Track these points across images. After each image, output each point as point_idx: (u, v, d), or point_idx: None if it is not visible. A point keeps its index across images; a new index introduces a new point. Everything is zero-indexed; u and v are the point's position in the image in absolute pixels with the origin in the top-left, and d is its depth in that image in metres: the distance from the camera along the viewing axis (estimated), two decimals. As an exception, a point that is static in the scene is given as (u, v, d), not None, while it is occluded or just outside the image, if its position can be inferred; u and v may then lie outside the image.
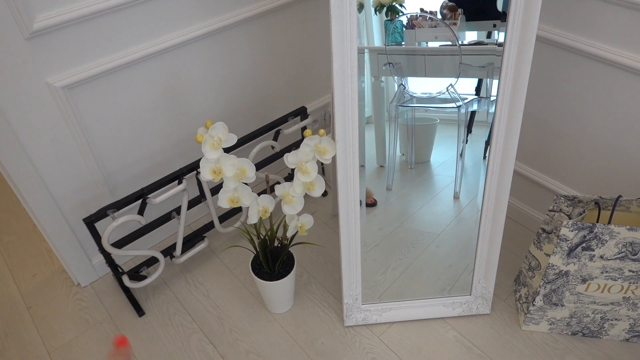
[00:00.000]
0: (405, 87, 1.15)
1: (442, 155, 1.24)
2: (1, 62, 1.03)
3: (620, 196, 1.10)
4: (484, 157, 1.12)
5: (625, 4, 1.03)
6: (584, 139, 1.28)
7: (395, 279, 1.32)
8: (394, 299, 1.30)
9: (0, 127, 1.08)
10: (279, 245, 1.25)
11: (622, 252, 1.07)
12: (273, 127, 1.46)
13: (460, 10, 1.04)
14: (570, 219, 1.14)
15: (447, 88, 1.13)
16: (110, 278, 1.49)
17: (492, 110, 1.07)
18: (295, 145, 1.57)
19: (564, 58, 1.21)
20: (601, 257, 1.08)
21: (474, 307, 1.31)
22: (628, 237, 1.04)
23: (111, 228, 1.18)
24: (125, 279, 1.34)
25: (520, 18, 0.94)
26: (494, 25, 1.03)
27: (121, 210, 1.28)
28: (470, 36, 1.07)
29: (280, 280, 1.24)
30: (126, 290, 1.41)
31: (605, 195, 1.23)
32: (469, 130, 1.18)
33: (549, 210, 1.17)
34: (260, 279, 1.25)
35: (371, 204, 1.25)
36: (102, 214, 1.21)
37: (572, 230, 1.05)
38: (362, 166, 1.12)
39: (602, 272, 1.11)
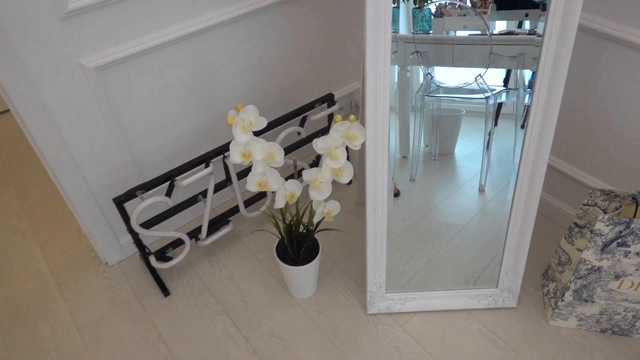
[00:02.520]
0: (432, 77, 1.13)
1: (467, 147, 1.22)
2: (36, 42, 1.04)
3: (659, 192, 1.07)
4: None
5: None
6: (621, 132, 1.23)
7: (419, 269, 1.31)
8: (418, 289, 1.29)
9: (35, 107, 1.10)
10: (304, 231, 1.25)
11: (659, 250, 1.04)
12: (300, 113, 1.45)
13: (490, -1, 1.01)
14: (605, 213, 1.10)
15: (475, 78, 1.10)
16: (137, 258, 1.51)
17: (527, 101, 1.04)
18: (322, 132, 1.57)
19: (604, 48, 1.16)
20: (637, 253, 1.05)
21: (500, 300, 1.29)
22: (666, 234, 1.01)
23: (140, 209, 1.20)
24: (152, 259, 1.36)
25: (562, 6, 0.91)
26: (526, 15, 1.00)
27: (149, 192, 1.30)
28: (500, 25, 1.04)
29: (305, 266, 1.25)
30: (152, 271, 1.43)
31: (642, 190, 1.19)
32: (496, 123, 1.15)
33: (583, 204, 1.14)
34: (285, 263, 1.25)
35: (395, 194, 1.24)
36: (131, 194, 1.23)
37: (607, 225, 1.02)
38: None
39: (637, 269, 1.08)
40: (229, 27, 1.33)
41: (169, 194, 1.27)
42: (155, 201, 1.21)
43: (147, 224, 1.33)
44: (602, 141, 1.29)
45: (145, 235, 1.29)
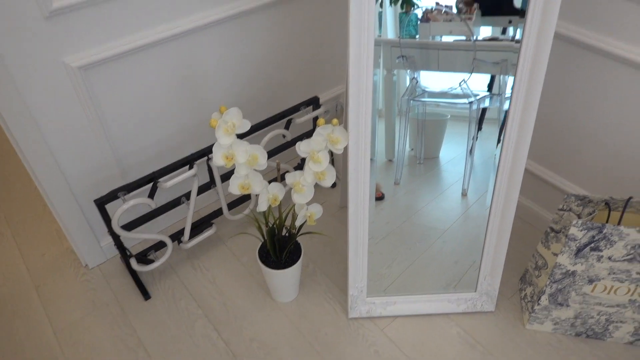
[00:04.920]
0: (417, 81, 1.15)
1: (452, 151, 1.24)
2: (20, 41, 1.03)
3: (631, 197, 1.10)
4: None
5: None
6: (596, 138, 1.27)
7: (401, 273, 1.32)
8: (399, 293, 1.31)
9: (16, 105, 1.09)
10: (287, 234, 1.26)
11: (630, 254, 1.07)
12: (285, 115, 1.46)
13: (476, 5, 1.03)
14: (579, 218, 1.13)
15: (459, 83, 1.12)
16: (118, 261, 1.50)
17: (505, 107, 1.07)
18: (307, 135, 1.58)
19: (580, 56, 1.20)
20: (609, 258, 1.08)
21: (479, 304, 1.31)
22: (637, 239, 1.04)
23: (121, 210, 1.19)
24: (133, 262, 1.35)
25: (539, 14, 0.94)
26: (510, 22, 1.02)
27: (132, 193, 1.29)
28: (485, 32, 1.07)
29: (286, 269, 1.25)
30: (133, 274, 1.42)
31: (616, 195, 1.22)
32: (479, 128, 1.17)
33: (559, 209, 1.17)
34: (267, 267, 1.25)
35: (379, 197, 1.25)
36: (113, 195, 1.22)
37: (581, 230, 1.05)
38: (371, 159, 1.12)
39: (609, 274, 1.11)
40: (216, 28, 1.33)
41: (151, 195, 1.26)
42: (137, 203, 1.20)
43: (129, 226, 1.33)
44: (578, 147, 1.33)
45: (126, 237, 1.28)
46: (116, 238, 1.30)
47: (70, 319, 1.34)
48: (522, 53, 0.98)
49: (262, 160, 1.08)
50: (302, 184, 1.10)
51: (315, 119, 1.54)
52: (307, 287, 1.40)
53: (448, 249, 1.31)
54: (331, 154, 1.08)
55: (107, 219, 1.24)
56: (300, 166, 1.67)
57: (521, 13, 0.97)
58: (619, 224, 1.12)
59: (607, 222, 1.14)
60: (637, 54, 1.08)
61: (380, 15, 1.02)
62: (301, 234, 1.26)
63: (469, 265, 1.30)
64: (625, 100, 1.16)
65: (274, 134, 1.43)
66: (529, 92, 1.02)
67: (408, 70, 1.13)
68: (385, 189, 1.26)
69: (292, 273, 1.28)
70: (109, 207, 1.24)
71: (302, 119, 1.47)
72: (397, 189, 1.27)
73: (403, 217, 1.30)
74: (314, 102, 1.51)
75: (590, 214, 1.14)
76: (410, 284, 1.31)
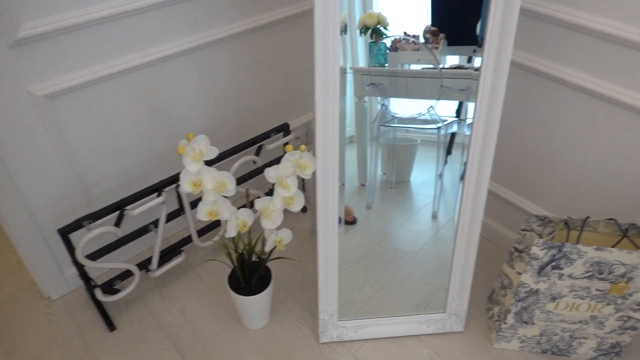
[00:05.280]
0: (387, 108, 1.18)
1: (422, 175, 1.27)
2: (-18, 69, 1.02)
3: (588, 217, 1.15)
4: (462, 178, 1.15)
5: (596, 34, 1.09)
6: (554, 161, 1.33)
7: (372, 296, 1.33)
8: (371, 316, 1.31)
9: (-23, 133, 1.07)
10: (257, 259, 1.26)
11: (589, 272, 1.11)
12: (255, 142, 1.48)
13: (442, 35, 1.08)
14: (541, 238, 1.17)
15: (428, 110, 1.17)
16: (82, 291, 1.45)
17: (467, 132, 1.11)
18: (277, 161, 1.58)
19: (536, 83, 1.26)
20: (570, 276, 1.12)
21: (448, 324, 1.32)
22: (595, 257, 1.08)
23: (86, 239, 1.16)
24: (98, 293, 1.31)
25: (496, 44, 0.99)
26: (474, 51, 1.07)
27: (97, 222, 1.27)
28: (452, 60, 1.11)
29: (256, 295, 1.24)
30: (98, 305, 1.38)
31: (574, 215, 1.28)
32: (449, 152, 1.21)
33: (521, 230, 1.21)
34: (237, 293, 1.24)
35: (351, 221, 1.27)
36: (77, 225, 1.19)
37: (542, 249, 1.09)
38: (342, 184, 1.14)
39: (570, 291, 1.15)
40: (185, 57, 1.35)
41: (118, 224, 1.24)
42: (102, 231, 1.18)
43: (94, 255, 1.29)
44: (538, 169, 1.38)
45: (91, 267, 1.25)
46: (80, 268, 1.26)
47: (30, 355, 1.29)
48: (481, 80, 1.03)
49: (231, 187, 1.08)
50: (271, 209, 1.10)
51: (286, 145, 1.55)
52: (278, 312, 1.39)
53: (419, 271, 1.33)
54: (302, 179, 1.09)
55: (71, 249, 1.21)
56: (271, 192, 1.67)
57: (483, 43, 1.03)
58: (577, 242, 1.16)
59: (566, 241, 1.19)
60: (585, 80, 1.15)
61: (350, 43, 1.05)
62: (271, 259, 1.26)
63: (439, 286, 1.32)
64: (579, 124, 1.22)
65: (245, 160, 1.43)
66: (489, 118, 1.06)
67: (378, 97, 1.17)
68: (357, 212, 1.28)
69: (262, 299, 1.27)
70: (73, 236, 1.21)
71: (272, 145, 1.48)
72: (370, 212, 1.29)
73: (375, 240, 1.32)
74: (285, 129, 1.53)
75: (551, 234, 1.18)
76: (382, 306, 1.32)
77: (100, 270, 1.49)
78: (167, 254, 1.44)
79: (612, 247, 1.09)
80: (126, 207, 1.25)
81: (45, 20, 1.05)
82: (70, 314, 1.39)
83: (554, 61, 1.20)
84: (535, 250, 1.09)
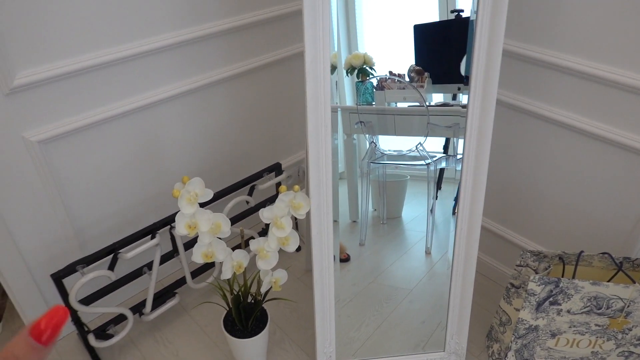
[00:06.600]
0: (376, 145, 1.20)
1: (414, 210, 1.28)
2: (-22, 117, 1.03)
3: (582, 251, 1.15)
4: (453, 213, 1.16)
5: (579, 75, 1.13)
6: (546, 196, 1.34)
7: (370, 336, 1.31)
8: (369, 356, 1.29)
9: (-29, 180, 1.07)
10: (253, 301, 1.24)
11: (587, 306, 1.10)
12: (248, 182, 1.48)
13: (426, 74, 1.11)
14: (537, 273, 1.17)
15: (416, 146, 1.18)
16: (75, 337, 1.42)
17: (459, 167, 1.13)
18: (270, 201, 1.59)
19: (525, 121, 1.29)
20: (568, 311, 1.11)
21: (448, 363, 1.30)
22: (592, 291, 1.08)
23: (80, 284, 1.15)
24: (91, 338, 1.28)
25: (481, 84, 1.02)
26: (459, 89, 1.10)
27: (91, 266, 1.25)
28: (437, 97, 1.14)
29: (253, 338, 1.22)
30: (91, 351, 1.34)
31: (568, 250, 1.28)
32: (439, 187, 1.22)
33: (517, 265, 1.21)
34: (233, 336, 1.22)
35: (344, 259, 1.26)
36: (71, 269, 1.18)
37: (539, 285, 1.08)
38: (335, 221, 1.14)
39: (570, 327, 1.14)
40: (177, 101, 1.37)
41: (111, 267, 1.23)
42: (96, 275, 1.17)
43: (87, 300, 1.27)
44: (530, 205, 1.39)
45: (84, 312, 1.22)
46: (73, 313, 1.24)
47: (19, 405, 1.24)
48: (469, 118, 1.05)
49: (226, 228, 1.08)
50: (266, 250, 1.10)
51: (278, 184, 1.56)
52: (274, 354, 1.36)
53: (415, 308, 1.32)
54: (295, 218, 1.09)
55: (64, 294, 1.19)
56: (264, 231, 1.67)
57: (468, 80, 1.05)
58: (573, 277, 1.16)
59: (562, 276, 1.19)
60: (571, 118, 1.18)
61: (336, 84, 1.08)
62: (267, 301, 1.24)
63: (436, 324, 1.31)
64: (568, 160, 1.24)
65: (238, 200, 1.44)
66: (478, 154, 1.08)
67: (367, 135, 1.19)
68: (350, 250, 1.27)
69: (259, 341, 1.25)
70: (66, 280, 1.20)
71: (264, 185, 1.49)
72: (363, 249, 1.29)
73: (369, 277, 1.31)
74: (277, 168, 1.55)
75: (546, 269, 1.18)
76: (380, 346, 1.30)
77: (93, 314, 1.46)
78: (160, 297, 1.42)
79: (608, 281, 1.09)
80: (120, 250, 1.24)
81: (39, 69, 1.07)
82: (61, 361, 1.35)
83: (539, 100, 1.23)
84: (532, 286, 1.08)
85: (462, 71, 1.07)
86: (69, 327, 1.41)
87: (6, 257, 1.21)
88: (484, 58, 1.00)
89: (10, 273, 1.23)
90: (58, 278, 1.16)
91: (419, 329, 1.31)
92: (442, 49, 1.11)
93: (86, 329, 1.30)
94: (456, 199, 1.14)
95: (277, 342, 1.40)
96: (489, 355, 1.33)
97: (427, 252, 1.30)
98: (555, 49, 1.15)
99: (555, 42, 1.14)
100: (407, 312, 1.32)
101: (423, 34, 1.09)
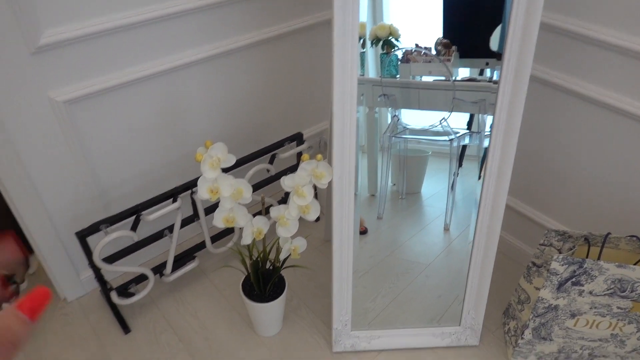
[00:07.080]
0: (398, 119, 1.18)
1: (433, 187, 1.26)
2: (5, 74, 1.04)
3: (609, 233, 1.12)
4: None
5: (615, 49, 1.07)
6: (574, 176, 1.30)
7: (385, 307, 1.32)
8: (384, 327, 1.30)
9: None
10: (271, 267, 1.25)
11: (610, 289, 1.08)
12: (269, 151, 1.48)
13: (454, 47, 1.07)
14: (560, 253, 1.15)
15: (440, 121, 1.15)
16: (98, 294, 1.47)
17: (484, 144, 1.10)
18: (291, 170, 1.59)
19: (556, 97, 1.24)
20: (590, 292, 1.10)
21: (463, 338, 1.30)
22: (617, 274, 1.06)
23: (103, 243, 1.18)
24: (114, 295, 1.32)
25: (516, 57, 0.98)
26: (487, 64, 1.06)
27: (114, 226, 1.28)
28: (464, 72, 1.10)
29: (270, 303, 1.24)
30: (113, 307, 1.39)
31: (594, 231, 1.25)
32: (460, 164, 1.20)
33: (540, 244, 1.19)
34: (251, 300, 1.24)
35: (362, 231, 1.26)
36: (95, 228, 1.20)
37: (562, 265, 1.06)
38: (355, 194, 1.13)
39: (590, 308, 1.12)
40: (201, 66, 1.36)
41: (134, 228, 1.25)
42: (119, 235, 1.19)
43: (110, 259, 1.31)
44: (556, 184, 1.36)
45: (107, 270, 1.26)
46: (97, 271, 1.28)
47: (46, 354, 1.30)
48: (500, 94, 1.02)
49: (247, 194, 1.08)
50: (286, 218, 1.10)
51: (299, 154, 1.55)
52: (291, 320, 1.39)
53: (431, 283, 1.32)
54: (315, 188, 1.09)
55: (88, 252, 1.22)
56: (284, 200, 1.67)
57: (497, 56, 1.01)
58: (598, 259, 1.14)
59: (587, 257, 1.16)
60: (607, 96, 1.13)
61: (362, 55, 1.05)
62: (285, 268, 1.25)
63: (452, 299, 1.31)
64: (599, 140, 1.20)
65: (258, 168, 1.44)
66: (507, 132, 1.05)
67: (389, 108, 1.16)
68: (368, 223, 1.27)
69: (276, 307, 1.27)
70: (90, 239, 1.22)
71: (285, 154, 1.49)
72: (380, 223, 1.28)
73: (386, 251, 1.31)
74: (298, 138, 1.53)
75: (571, 249, 1.16)
76: (395, 317, 1.31)
77: (116, 273, 1.50)
78: (181, 259, 1.45)
79: (635, 264, 1.07)
80: (142, 212, 1.26)
81: (66, 28, 1.07)
82: (86, 315, 1.40)
83: (572, 75, 1.18)
84: (555, 265, 1.06)
85: (492, 46, 1.03)
86: (92, 284, 1.46)
87: (33, 215, 1.24)
88: (520, 29, 0.95)
89: (37, 230, 1.26)
90: (82, 236, 1.19)
91: (435, 303, 1.31)
92: (473, 22, 1.07)
93: (109, 287, 1.33)
94: (483, 177, 1.12)
95: (293, 309, 1.42)
96: (505, 332, 1.33)
97: (446, 229, 1.29)
98: (590, 22, 1.09)
99: (597, 16, 1.08)
100: (424, 286, 1.32)
101: (453, 5, 1.05)
